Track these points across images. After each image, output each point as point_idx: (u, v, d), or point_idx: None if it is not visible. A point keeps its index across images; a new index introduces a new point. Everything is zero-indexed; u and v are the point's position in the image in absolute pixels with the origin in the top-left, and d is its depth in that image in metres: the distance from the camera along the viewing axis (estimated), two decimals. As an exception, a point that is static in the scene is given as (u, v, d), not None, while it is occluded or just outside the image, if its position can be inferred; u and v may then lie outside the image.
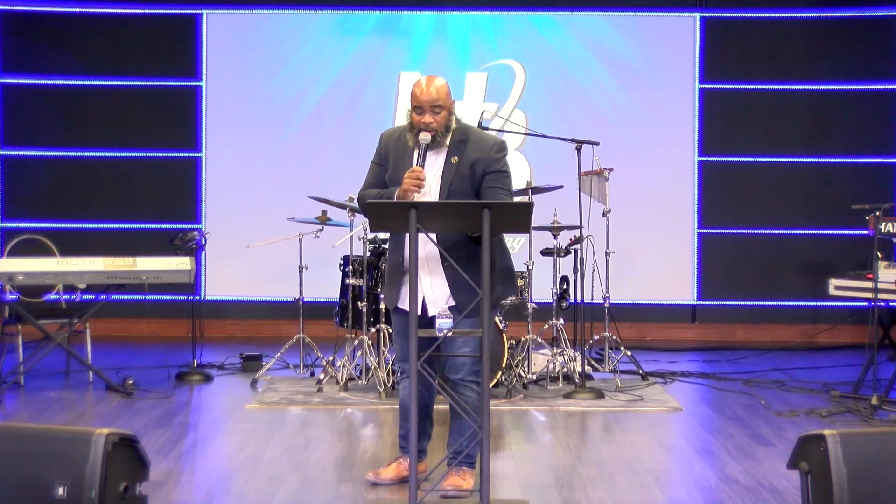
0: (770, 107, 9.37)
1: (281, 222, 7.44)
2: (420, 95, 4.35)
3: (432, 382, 4.31)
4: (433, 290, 4.34)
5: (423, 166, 4.30)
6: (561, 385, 6.81)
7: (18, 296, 7.00)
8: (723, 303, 9.44)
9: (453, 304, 4.32)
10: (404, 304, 4.41)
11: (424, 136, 4.32)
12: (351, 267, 6.82)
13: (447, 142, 4.39)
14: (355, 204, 6.06)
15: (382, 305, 6.61)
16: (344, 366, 6.79)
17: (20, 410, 6.24)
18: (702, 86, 9.33)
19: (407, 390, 4.53)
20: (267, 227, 8.28)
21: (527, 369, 6.76)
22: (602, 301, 7.37)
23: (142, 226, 9.25)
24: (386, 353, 6.61)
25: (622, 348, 7.30)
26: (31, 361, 6.83)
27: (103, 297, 6.98)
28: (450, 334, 4.09)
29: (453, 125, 4.42)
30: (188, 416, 6.21)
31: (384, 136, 4.58)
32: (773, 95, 9.35)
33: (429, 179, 4.37)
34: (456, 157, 4.38)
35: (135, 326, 8.69)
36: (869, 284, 6.57)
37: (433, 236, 4.20)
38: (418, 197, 4.29)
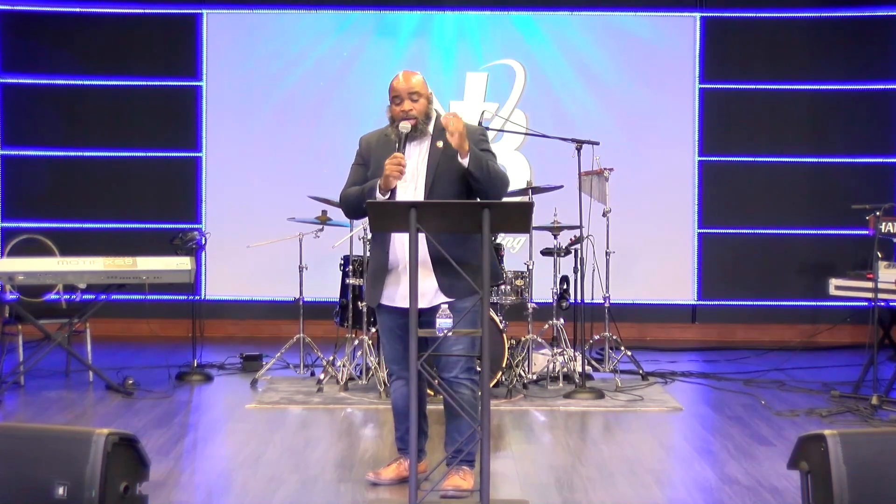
0: (770, 107, 9.37)
1: (281, 222, 7.45)
2: (398, 85, 4.42)
3: (431, 381, 4.31)
4: (420, 284, 4.32)
5: (403, 153, 4.32)
6: (561, 385, 6.81)
7: (18, 296, 7.00)
8: (723, 303, 9.44)
9: (443, 300, 4.31)
10: (390, 300, 4.42)
11: (405, 125, 4.36)
12: (351, 267, 6.82)
13: (430, 129, 4.44)
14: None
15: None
16: (344, 366, 6.79)
17: (20, 410, 6.24)
18: (702, 86, 9.33)
19: (398, 392, 4.55)
20: (267, 227, 8.28)
21: (527, 369, 6.76)
22: (602, 301, 7.37)
23: (142, 226, 9.25)
24: (386, 353, 6.61)
25: (622, 348, 7.30)
26: (31, 361, 6.83)
27: (103, 297, 6.98)
28: (450, 334, 4.09)
29: (433, 115, 4.47)
30: (188, 416, 6.21)
31: (363, 138, 4.62)
32: (773, 95, 9.35)
33: (415, 165, 4.40)
34: (441, 142, 4.41)
35: (135, 326, 8.71)
36: (869, 284, 6.56)
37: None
38: (401, 183, 4.32)
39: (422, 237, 4.15)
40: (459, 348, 4.38)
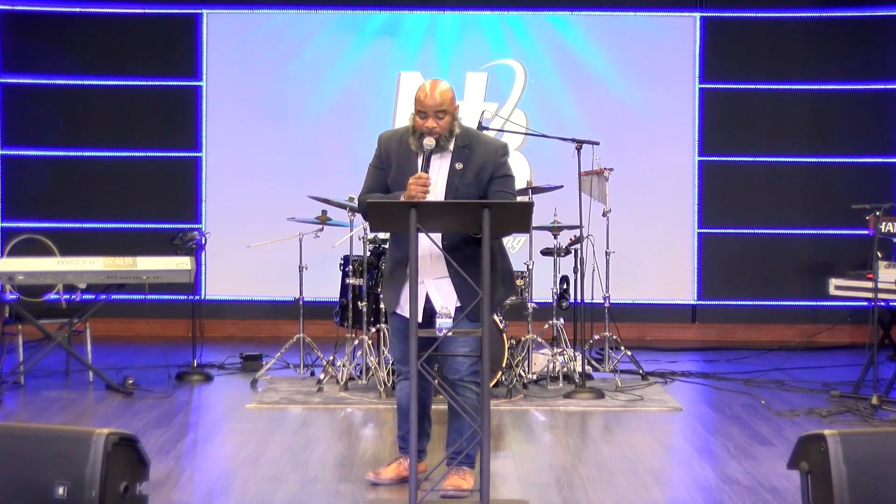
0: (770, 107, 9.37)
1: (281, 222, 7.44)
2: (424, 100, 4.31)
3: (431, 382, 4.31)
4: (439, 295, 4.32)
5: (427, 172, 4.28)
6: (561, 385, 6.81)
7: (18, 296, 7.00)
8: (723, 303, 9.44)
9: (459, 305, 4.32)
10: (404, 310, 4.38)
11: (429, 142, 4.29)
12: (351, 267, 6.82)
13: (451, 147, 4.37)
14: (355, 204, 6.04)
15: (382, 305, 6.60)
16: (344, 366, 6.79)
17: (20, 410, 6.24)
18: (702, 86, 9.33)
19: (404, 391, 4.53)
20: (267, 227, 8.28)
21: (527, 369, 6.76)
22: (602, 301, 7.37)
23: (142, 226, 9.25)
24: (386, 352, 6.61)
25: (622, 348, 7.30)
26: (31, 361, 6.83)
27: (103, 297, 6.98)
28: (450, 334, 4.09)
29: (457, 130, 4.38)
30: (188, 416, 6.21)
31: (383, 138, 4.53)
32: (773, 95, 9.35)
33: (434, 181, 4.33)
34: (461, 164, 4.35)
35: (135, 326, 8.70)
36: (869, 284, 6.56)
37: (437, 238, 4.20)
38: None
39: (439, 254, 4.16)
40: (466, 350, 4.37)
